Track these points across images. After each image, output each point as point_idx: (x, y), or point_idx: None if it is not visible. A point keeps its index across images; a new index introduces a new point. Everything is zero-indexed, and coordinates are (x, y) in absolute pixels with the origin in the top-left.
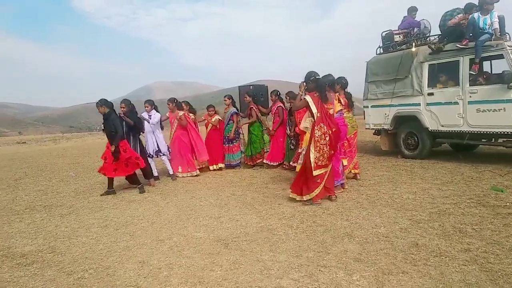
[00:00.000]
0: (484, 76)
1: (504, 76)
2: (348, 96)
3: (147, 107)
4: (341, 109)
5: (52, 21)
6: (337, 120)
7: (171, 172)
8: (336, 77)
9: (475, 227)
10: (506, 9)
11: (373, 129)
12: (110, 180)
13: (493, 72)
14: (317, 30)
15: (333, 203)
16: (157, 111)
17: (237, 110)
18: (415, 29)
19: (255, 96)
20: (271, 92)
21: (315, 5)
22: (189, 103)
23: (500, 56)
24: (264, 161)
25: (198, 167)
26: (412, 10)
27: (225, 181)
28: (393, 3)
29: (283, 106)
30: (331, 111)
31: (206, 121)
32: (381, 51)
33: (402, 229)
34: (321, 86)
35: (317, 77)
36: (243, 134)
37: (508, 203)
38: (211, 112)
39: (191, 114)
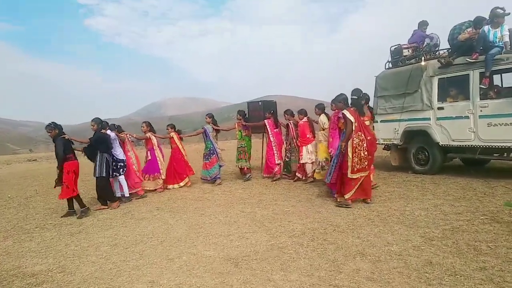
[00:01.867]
0: (495, 90)
1: None
2: (371, 109)
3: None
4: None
5: (65, 39)
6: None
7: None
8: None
9: (490, 245)
10: None
11: (382, 144)
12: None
13: (503, 86)
14: (327, 44)
15: (343, 220)
16: (111, 131)
17: (215, 127)
18: (426, 42)
19: (245, 115)
20: (267, 111)
21: (325, 19)
22: (150, 124)
23: (511, 70)
24: (264, 175)
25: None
26: (423, 24)
27: (234, 197)
28: (401, 18)
29: (265, 122)
30: (367, 123)
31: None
32: (390, 65)
33: (415, 247)
34: (358, 103)
35: (353, 96)
36: (218, 149)
37: None
38: (168, 130)
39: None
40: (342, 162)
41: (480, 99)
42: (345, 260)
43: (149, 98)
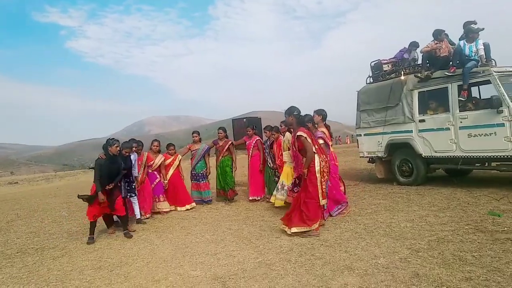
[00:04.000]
0: (473, 102)
1: (493, 101)
2: (328, 127)
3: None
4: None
5: (47, 62)
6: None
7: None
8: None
9: (475, 254)
10: (490, 37)
11: (367, 157)
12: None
13: (481, 98)
14: (309, 61)
15: (330, 234)
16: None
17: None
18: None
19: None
20: (247, 127)
21: (308, 36)
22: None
23: (487, 82)
24: (250, 198)
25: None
26: (413, 45)
27: (220, 215)
28: (382, 34)
29: (261, 140)
30: (321, 142)
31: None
32: (371, 80)
33: (402, 259)
34: (303, 122)
35: (295, 113)
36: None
37: (505, 228)
38: (171, 151)
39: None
40: (306, 188)
41: (460, 111)
42: (333, 275)
43: (133, 117)
